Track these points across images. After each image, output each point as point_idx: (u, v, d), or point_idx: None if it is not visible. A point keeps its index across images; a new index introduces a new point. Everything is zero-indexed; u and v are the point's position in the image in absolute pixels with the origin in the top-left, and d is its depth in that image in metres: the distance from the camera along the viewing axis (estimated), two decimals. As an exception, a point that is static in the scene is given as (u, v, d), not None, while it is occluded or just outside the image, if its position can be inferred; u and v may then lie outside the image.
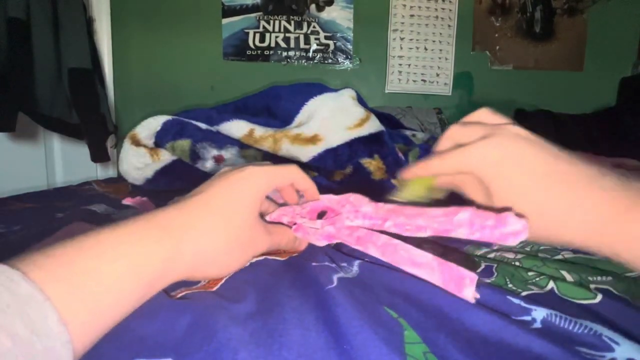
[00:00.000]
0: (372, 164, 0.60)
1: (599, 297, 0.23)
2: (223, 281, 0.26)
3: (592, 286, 0.24)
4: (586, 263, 0.29)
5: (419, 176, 0.28)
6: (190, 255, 0.23)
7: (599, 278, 0.25)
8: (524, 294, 0.24)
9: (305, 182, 0.31)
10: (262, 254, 0.30)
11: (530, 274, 0.26)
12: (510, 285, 0.25)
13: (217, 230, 0.24)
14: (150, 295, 0.22)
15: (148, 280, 0.21)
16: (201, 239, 0.23)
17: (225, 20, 1.52)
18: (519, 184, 0.22)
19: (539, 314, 0.20)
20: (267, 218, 0.31)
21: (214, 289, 0.25)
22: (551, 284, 0.25)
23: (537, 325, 0.20)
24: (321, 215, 0.31)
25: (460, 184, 0.27)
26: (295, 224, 0.30)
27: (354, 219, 0.26)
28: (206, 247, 0.24)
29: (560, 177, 0.21)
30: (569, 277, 0.26)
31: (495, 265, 0.28)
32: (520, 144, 0.22)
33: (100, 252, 0.19)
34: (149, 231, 0.22)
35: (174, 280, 0.23)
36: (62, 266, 0.18)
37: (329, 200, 0.30)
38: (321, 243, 0.28)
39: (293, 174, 0.30)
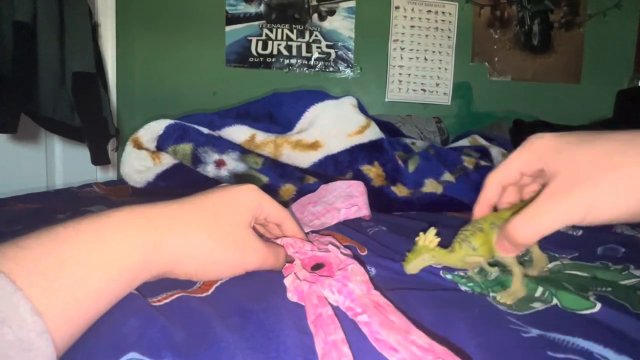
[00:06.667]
0: (372, 171, 0.61)
1: (598, 306, 0.23)
2: (218, 284, 0.25)
3: (591, 297, 0.24)
4: (585, 272, 0.29)
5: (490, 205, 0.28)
6: (174, 246, 0.22)
7: (599, 289, 0.25)
8: (523, 313, 0.24)
9: (293, 229, 0.31)
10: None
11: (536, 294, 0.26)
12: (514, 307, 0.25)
13: (203, 225, 0.24)
14: (132, 286, 0.21)
15: (129, 269, 0.20)
16: (186, 231, 0.23)
17: (228, 28, 1.54)
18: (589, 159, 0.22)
19: (533, 334, 0.21)
20: (278, 241, 0.30)
21: (209, 291, 0.24)
22: (555, 301, 0.25)
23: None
24: (317, 267, 0.29)
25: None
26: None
27: (335, 292, 0.23)
28: (190, 240, 0.23)
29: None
30: (569, 288, 0.26)
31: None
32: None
33: (79, 242, 0.19)
34: (132, 220, 0.21)
35: (156, 274, 0.22)
36: (35, 257, 0.17)
37: (334, 257, 0.28)
38: (290, 295, 0.24)
39: (284, 216, 0.30)
